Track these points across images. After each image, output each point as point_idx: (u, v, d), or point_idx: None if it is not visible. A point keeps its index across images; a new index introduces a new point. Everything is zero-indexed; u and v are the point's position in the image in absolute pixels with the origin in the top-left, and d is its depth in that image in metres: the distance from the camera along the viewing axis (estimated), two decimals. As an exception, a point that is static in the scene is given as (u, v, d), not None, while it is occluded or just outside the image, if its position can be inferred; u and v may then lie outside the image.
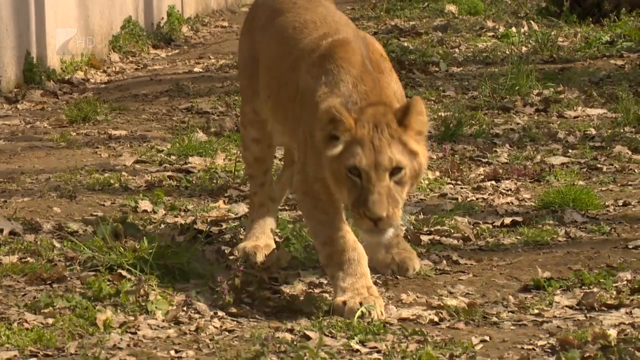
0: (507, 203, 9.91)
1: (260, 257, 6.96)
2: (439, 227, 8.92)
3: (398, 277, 6.25)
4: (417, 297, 7.53)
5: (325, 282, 7.86)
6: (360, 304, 6.09)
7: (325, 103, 5.44)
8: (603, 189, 10.51)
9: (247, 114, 7.53)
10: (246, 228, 7.67)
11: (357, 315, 6.04)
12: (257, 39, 5.91)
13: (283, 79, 6.51)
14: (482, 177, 10.83)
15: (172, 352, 6.74)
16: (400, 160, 5.09)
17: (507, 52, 16.75)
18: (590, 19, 19.83)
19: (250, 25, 6.31)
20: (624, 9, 19.42)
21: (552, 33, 18.97)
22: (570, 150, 11.70)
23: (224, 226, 8.98)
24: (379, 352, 6.64)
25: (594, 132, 12.53)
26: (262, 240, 7.04)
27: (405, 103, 5.28)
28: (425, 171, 5.52)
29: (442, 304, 7.41)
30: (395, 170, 5.13)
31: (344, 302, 6.21)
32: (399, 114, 5.21)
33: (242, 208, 9.35)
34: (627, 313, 7.18)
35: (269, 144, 7.77)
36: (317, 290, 7.72)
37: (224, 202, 9.53)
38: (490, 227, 9.10)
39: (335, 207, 6.27)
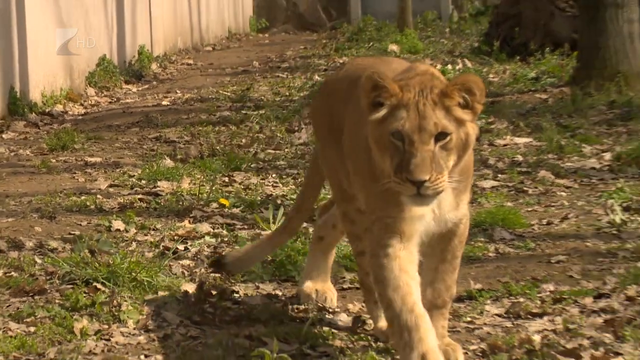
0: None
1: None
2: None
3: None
4: (363, 307, 7.55)
5: (280, 293, 7.94)
6: None
7: (367, 72, 5.11)
8: (529, 209, 10.44)
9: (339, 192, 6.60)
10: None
11: None
12: (336, 112, 5.58)
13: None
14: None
15: (143, 357, 6.75)
16: (446, 125, 4.79)
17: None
18: (518, 57, 19.89)
19: (326, 101, 5.95)
20: (547, 48, 19.51)
21: (484, 70, 19.04)
22: (499, 175, 11.60)
23: (189, 243, 9.00)
24: (327, 355, 6.71)
25: (521, 158, 12.31)
26: None
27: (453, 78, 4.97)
28: (473, 143, 5.05)
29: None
30: (441, 135, 4.80)
31: None
32: (447, 85, 4.92)
33: (205, 227, 9.38)
34: (549, 320, 7.15)
35: None
36: (273, 301, 7.76)
37: (189, 221, 9.52)
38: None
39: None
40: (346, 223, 6.48)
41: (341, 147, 6.05)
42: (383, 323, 5.75)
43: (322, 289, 5.81)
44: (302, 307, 7.63)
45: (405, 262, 5.39)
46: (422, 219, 5.40)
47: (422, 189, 4.63)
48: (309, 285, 6.18)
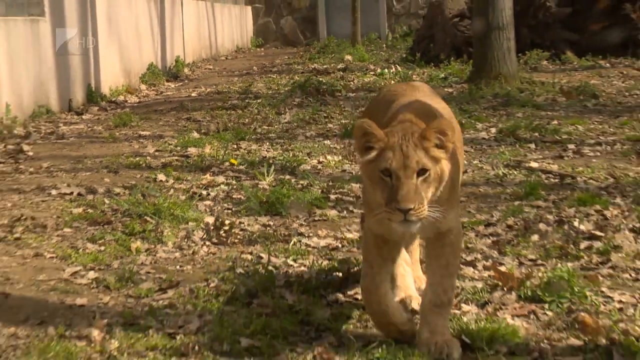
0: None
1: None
2: (341, 189, 8.82)
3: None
4: (328, 232, 7.54)
5: (272, 223, 7.91)
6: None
7: (358, 120, 4.77)
8: None
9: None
10: None
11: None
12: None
13: None
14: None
15: (177, 267, 6.69)
16: (425, 162, 4.39)
17: (382, 84, 16.69)
18: (432, 64, 19.89)
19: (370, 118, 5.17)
20: (452, 57, 19.52)
21: (409, 72, 18.91)
22: None
23: (210, 190, 8.92)
24: (305, 265, 6.63)
25: None
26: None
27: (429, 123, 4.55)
28: (447, 177, 4.62)
29: (343, 237, 7.39)
30: (421, 171, 4.40)
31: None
32: (423, 129, 4.50)
33: (220, 178, 9.29)
34: None
35: None
36: (267, 228, 7.73)
37: (209, 175, 9.43)
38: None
39: None
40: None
41: None
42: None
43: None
44: (286, 232, 7.61)
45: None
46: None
47: (407, 215, 4.35)
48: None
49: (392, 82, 17.21)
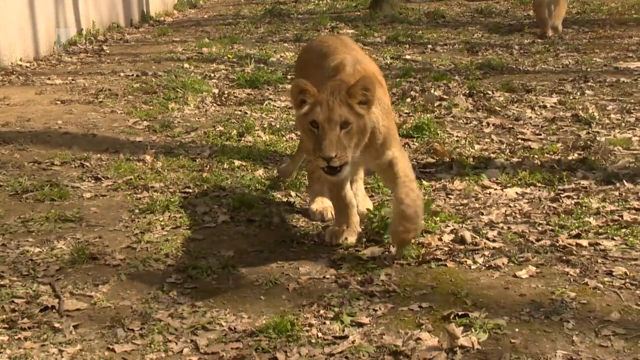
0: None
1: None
2: (294, 72, 8.67)
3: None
4: (287, 98, 7.30)
5: (252, 92, 7.77)
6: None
7: (294, 80, 3.86)
8: None
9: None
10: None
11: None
12: (309, 73, 4.10)
13: None
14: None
15: (196, 119, 6.62)
16: (348, 117, 3.46)
17: (319, 8, 16.43)
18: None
19: (303, 64, 4.49)
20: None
21: (334, 3, 18.50)
22: None
23: (215, 73, 8.77)
24: (272, 117, 6.54)
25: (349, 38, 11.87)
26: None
27: (355, 80, 3.60)
28: (369, 130, 3.61)
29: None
30: (344, 124, 3.46)
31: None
32: (350, 87, 3.53)
33: (222, 66, 9.08)
34: None
35: None
36: (250, 96, 7.59)
37: (216, 63, 9.25)
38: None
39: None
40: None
41: None
42: (313, 206, 4.28)
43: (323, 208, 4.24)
44: (261, 98, 7.49)
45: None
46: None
47: (331, 162, 3.39)
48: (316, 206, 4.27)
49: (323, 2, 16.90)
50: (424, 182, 4.69)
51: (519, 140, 5.57)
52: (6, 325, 3.04)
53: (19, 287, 3.38)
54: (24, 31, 9.67)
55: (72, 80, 8.47)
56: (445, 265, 3.55)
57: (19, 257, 3.74)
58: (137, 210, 4.36)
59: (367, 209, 4.13)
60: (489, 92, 7.10)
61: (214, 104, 7.22)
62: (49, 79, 8.51)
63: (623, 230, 3.82)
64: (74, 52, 10.63)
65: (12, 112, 6.92)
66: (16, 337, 2.94)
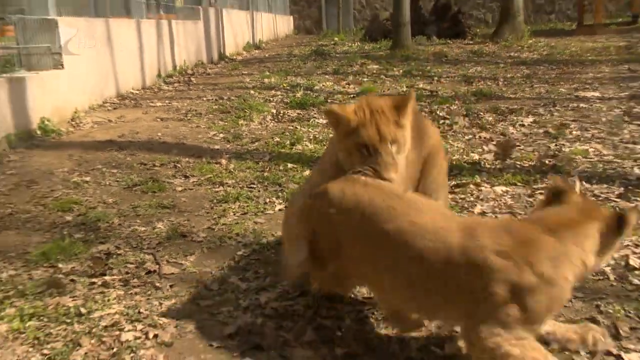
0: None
1: None
2: (332, 97, 8.59)
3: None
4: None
5: (301, 112, 7.74)
6: None
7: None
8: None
9: None
10: None
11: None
12: None
13: None
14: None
15: (259, 132, 6.56)
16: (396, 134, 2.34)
17: (350, 49, 16.37)
18: (373, 42, 19.03)
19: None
20: (383, 39, 18.81)
21: (363, 46, 18.36)
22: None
23: (273, 97, 8.75)
24: (317, 130, 6.50)
25: (374, 70, 11.82)
26: None
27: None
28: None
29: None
30: (393, 142, 2.31)
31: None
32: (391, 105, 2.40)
33: (278, 93, 9.06)
34: None
35: None
36: (299, 115, 7.54)
37: (274, 90, 9.25)
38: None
39: None
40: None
41: None
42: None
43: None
44: (308, 116, 7.46)
45: None
46: None
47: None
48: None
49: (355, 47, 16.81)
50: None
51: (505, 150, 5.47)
52: (122, 283, 3.08)
53: (130, 256, 3.42)
54: (135, 68, 9.81)
55: (169, 103, 8.53)
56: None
57: (130, 233, 3.77)
58: (215, 200, 4.37)
59: None
60: (481, 113, 6.99)
61: (273, 121, 7.21)
62: (152, 102, 8.60)
63: (584, 219, 3.71)
64: (170, 82, 10.73)
65: (125, 127, 7.01)
66: (129, 292, 2.97)
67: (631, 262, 3.06)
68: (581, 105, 7.33)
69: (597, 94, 7.99)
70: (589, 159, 5.02)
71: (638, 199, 4.00)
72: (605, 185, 4.30)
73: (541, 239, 1.92)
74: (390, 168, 2.31)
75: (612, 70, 10.05)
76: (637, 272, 2.96)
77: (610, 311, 2.60)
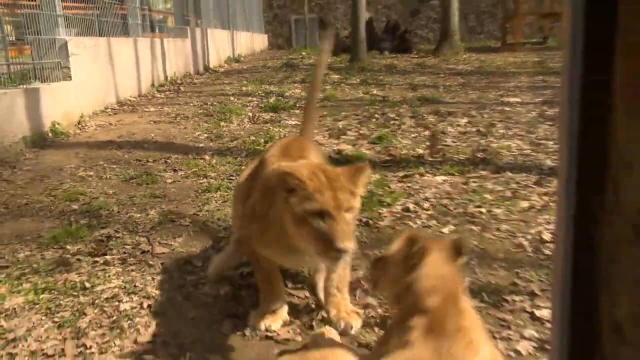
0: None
1: None
2: (301, 103, 8.49)
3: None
4: (297, 119, 7.24)
5: (273, 115, 7.68)
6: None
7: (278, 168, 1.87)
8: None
9: None
10: None
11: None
12: None
13: None
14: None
15: (237, 132, 6.48)
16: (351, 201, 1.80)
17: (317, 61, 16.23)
18: (335, 55, 18.77)
19: None
20: (343, 53, 18.66)
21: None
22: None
23: (250, 103, 8.66)
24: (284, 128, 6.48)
25: (335, 80, 11.70)
26: None
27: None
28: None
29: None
30: (348, 209, 1.77)
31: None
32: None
33: (254, 99, 8.96)
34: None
35: None
36: (271, 117, 7.49)
37: (251, 97, 9.16)
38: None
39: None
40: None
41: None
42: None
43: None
44: (279, 119, 7.40)
45: None
46: None
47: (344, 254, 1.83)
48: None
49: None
50: (384, 173, 4.66)
51: (444, 146, 5.55)
52: (120, 262, 3.04)
53: (127, 238, 3.37)
54: (132, 79, 9.64)
55: (161, 108, 8.41)
56: (393, 228, 3.52)
57: (127, 219, 3.72)
58: (199, 190, 4.33)
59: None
60: (425, 115, 7.06)
61: (249, 123, 7.14)
62: (146, 108, 8.46)
63: (506, 202, 3.80)
64: (162, 90, 10.55)
65: (124, 129, 6.88)
66: (126, 269, 2.94)
67: (544, 236, 3.16)
68: (505, 108, 7.47)
69: (518, 99, 8.16)
70: (511, 153, 5.15)
71: (549, 185, 4.12)
72: (524, 174, 4.42)
73: None
74: (348, 237, 1.74)
75: (529, 81, 10.30)
76: (548, 244, 3.06)
77: (527, 277, 2.68)
